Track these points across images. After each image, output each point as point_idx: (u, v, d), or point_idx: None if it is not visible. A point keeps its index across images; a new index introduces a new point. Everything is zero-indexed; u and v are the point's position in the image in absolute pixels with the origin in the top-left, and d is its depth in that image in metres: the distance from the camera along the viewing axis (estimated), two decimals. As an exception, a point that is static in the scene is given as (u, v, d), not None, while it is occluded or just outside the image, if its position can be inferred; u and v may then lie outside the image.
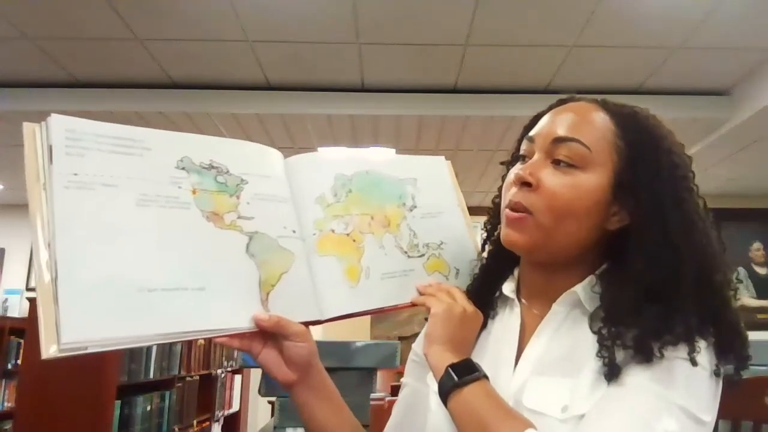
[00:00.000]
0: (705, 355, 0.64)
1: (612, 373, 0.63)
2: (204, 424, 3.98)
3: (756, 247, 5.18)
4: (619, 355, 0.64)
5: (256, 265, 0.71)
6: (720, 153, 4.02)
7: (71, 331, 0.57)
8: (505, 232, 0.73)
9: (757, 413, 0.95)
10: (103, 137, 0.66)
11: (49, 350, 0.55)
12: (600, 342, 0.65)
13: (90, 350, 0.58)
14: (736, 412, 0.65)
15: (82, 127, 0.65)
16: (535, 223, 0.70)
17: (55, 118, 0.64)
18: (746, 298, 4.99)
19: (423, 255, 0.83)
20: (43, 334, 0.56)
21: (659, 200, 0.68)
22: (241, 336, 0.69)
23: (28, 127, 0.65)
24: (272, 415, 2.32)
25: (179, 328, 0.64)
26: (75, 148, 0.64)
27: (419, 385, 0.83)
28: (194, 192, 0.70)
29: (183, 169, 0.70)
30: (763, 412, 0.94)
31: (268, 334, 0.71)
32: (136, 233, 0.64)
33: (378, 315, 0.78)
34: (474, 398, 0.64)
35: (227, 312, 0.68)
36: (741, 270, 5.05)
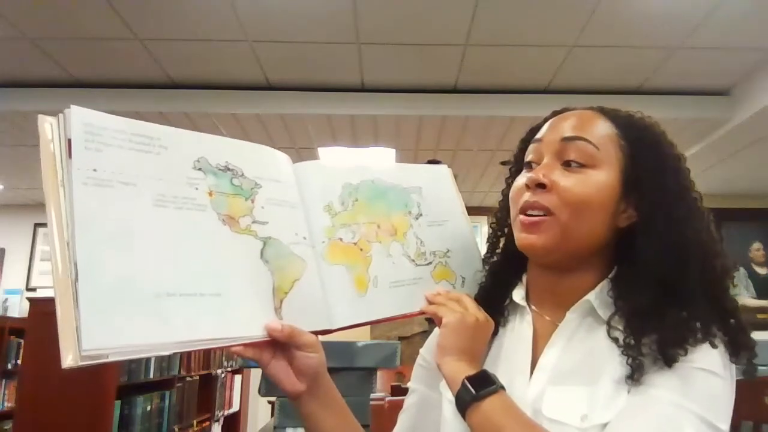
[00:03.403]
0: (720, 360, 0.65)
1: (637, 377, 0.64)
2: (204, 424, 3.98)
3: (756, 247, 5.18)
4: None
5: (270, 272, 0.69)
6: (720, 153, 4.02)
7: (92, 337, 0.53)
8: (522, 236, 0.73)
9: (757, 413, 0.95)
10: (121, 133, 0.64)
11: (68, 359, 0.52)
12: (624, 347, 0.66)
13: (111, 359, 0.55)
14: (736, 412, 0.65)
15: (100, 122, 0.63)
16: (554, 222, 0.70)
17: (74, 110, 0.61)
18: (746, 298, 4.98)
19: (430, 263, 0.83)
20: (62, 340, 0.52)
21: (664, 192, 0.70)
22: (253, 345, 0.68)
23: (43, 119, 0.61)
24: (272, 415, 2.32)
25: (197, 335, 0.61)
26: (94, 143, 0.61)
27: (430, 392, 0.83)
28: (210, 194, 0.68)
29: (200, 170, 0.68)
30: (763, 412, 0.94)
31: (279, 343, 0.70)
32: (153, 235, 0.62)
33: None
34: (494, 411, 0.63)
35: (242, 320, 0.66)
36: (741, 270, 5.05)
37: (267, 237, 0.71)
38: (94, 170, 0.60)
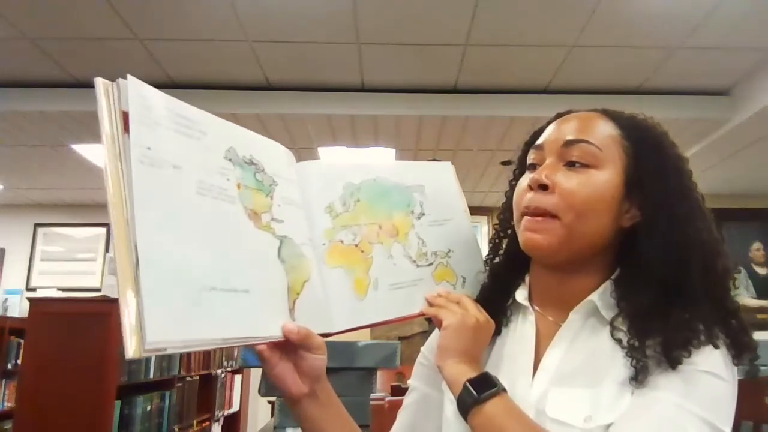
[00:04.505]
0: (723, 362, 0.65)
1: (641, 378, 0.64)
2: (204, 424, 3.98)
3: (756, 247, 5.18)
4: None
5: (285, 272, 0.69)
6: (720, 153, 4.02)
7: (156, 331, 0.51)
8: (527, 237, 0.72)
9: (757, 413, 0.95)
10: (169, 112, 0.61)
11: (132, 350, 0.50)
12: (628, 349, 0.66)
13: (168, 352, 0.53)
14: (737, 411, 0.66)
15: (152, 98, 0.59)
16: (558, 223, 0.70)
17: (131, 81, 0.57)
18: (746, 298, 4.98)
19: (431, 264, 0.82)
20: (126, 330, 0.50)
21: (667, 192, 0.70)
22: (270, 345, 0.68)
23: (105, 84, 0.56)
24: (272, 415, 2.32)
25: (233, 333, 0.59)
26: (148, 119, 0.57)
27: (430, 390, 0.83)
28: (239, 186, 0.66)
29: (229, 160, 0.66)
30: (763, 412, 0.94)
31: (287, 344, 0.69)
32: (196, 224, 0.59)
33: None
34: (496, 414, 0.63)
35: (265, 319, 0.64)
36: (741, 270, 5.05)
37: (283, 236, 0.70)
38: (149, 148, 0.56)
